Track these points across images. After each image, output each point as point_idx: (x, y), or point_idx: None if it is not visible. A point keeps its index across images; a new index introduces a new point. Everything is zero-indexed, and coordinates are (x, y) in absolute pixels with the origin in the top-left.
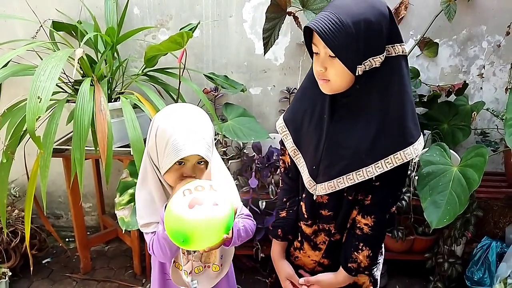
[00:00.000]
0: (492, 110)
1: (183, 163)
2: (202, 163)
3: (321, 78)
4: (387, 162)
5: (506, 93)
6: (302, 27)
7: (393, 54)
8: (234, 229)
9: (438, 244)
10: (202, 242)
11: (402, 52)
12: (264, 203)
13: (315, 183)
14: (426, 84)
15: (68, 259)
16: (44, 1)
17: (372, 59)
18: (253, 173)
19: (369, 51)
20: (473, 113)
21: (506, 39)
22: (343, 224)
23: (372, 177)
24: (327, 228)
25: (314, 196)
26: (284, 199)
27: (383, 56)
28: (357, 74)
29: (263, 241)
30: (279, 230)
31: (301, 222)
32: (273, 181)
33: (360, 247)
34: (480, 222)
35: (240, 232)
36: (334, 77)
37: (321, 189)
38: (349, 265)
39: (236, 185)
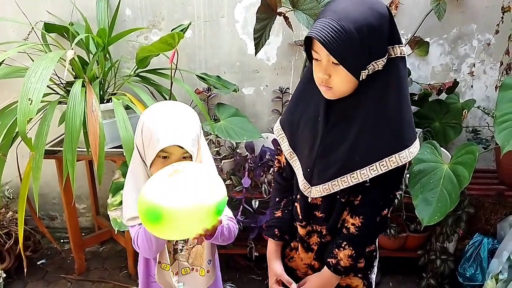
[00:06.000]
0: (483, 108)
1: (167, 157)
2: (188, 158)
3: (324, 85)
4: (381, 165)
5: (496, 91)
6: (293, 28)
7: (393, 56)
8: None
9: (431, 241)
10: (177, 221)
11: (401, 54)
12: (257, 202)
13: (310, 186)
14: (417, 83)
15: (62, 260)
16: (36, 3)
17: (375, 62)
18: (246, 172)
19: (373, 55)
20: (464, 111)
21: (496, 37)
22: (334, 226)
23: (367, 180)
24: (319, 230)
25: (309, 198)
26: (277, 199)
27: (385, 58)
28: (361, 79)
29: (257, 240)
30: (276, 229)
31: (297, 223)
32: (266, 180)
33: (343, 246)
34: (472, 219)
35: (224, 230)
36: (338, 84)
37: (316, 192)
38: (328, 260)
39: (229, 184)
